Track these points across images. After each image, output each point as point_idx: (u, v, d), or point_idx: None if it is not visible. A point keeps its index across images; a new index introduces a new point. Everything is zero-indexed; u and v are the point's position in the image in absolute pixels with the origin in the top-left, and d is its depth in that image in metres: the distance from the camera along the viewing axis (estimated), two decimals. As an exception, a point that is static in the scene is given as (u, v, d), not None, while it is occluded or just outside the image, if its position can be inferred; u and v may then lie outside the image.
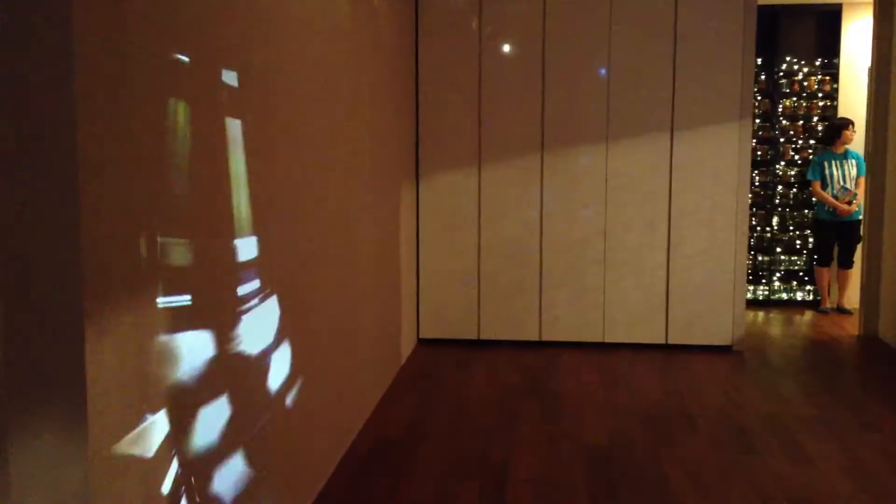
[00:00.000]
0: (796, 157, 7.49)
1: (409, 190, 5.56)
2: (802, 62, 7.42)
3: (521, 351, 5.72)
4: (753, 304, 7.45)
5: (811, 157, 7.36)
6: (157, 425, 1.98)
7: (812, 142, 7.45)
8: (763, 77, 7.43)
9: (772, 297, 7.55)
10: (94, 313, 1.70)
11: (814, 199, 7.12)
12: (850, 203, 6.85)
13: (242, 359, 2.52)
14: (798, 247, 7.53)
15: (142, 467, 1.91)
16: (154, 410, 1.96)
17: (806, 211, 7.49)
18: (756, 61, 6.45)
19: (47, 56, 1.61)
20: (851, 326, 6.56)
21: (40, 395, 1.67)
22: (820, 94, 7.42)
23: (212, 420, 2.31)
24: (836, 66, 7.35)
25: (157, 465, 1.98)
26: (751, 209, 7.38)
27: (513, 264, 5.81)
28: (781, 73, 7.44)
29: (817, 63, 7.40)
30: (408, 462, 3.71)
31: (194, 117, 2.16)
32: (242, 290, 2.51)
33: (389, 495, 3.36)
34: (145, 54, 1.90)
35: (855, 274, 6.95)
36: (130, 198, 1.84)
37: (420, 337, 5.93)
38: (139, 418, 1.89)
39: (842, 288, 7.12)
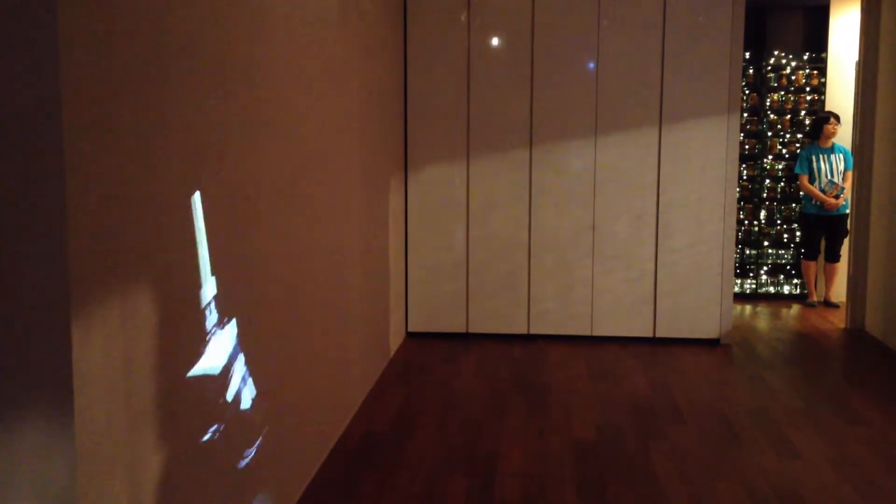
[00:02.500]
0: (784, 151, 7.51)
1: (398, 183, 5.55)
2: (790, 56, 7.43)
3: (509, 344, 5.73)
4: (741, 297, 7.48)
5: (798, 150, 7.38)
6: (145, 420, 1.97)
7: (799, 136, 7.47)
8: (751, 71, 7.44)
9: (759, 291, 7.57)
10: (81, 308, 1.68)
11: (801, 192, 7.14)
12: (837, 197, 6.87)
13: (231, 353, 2.51)
14: (785, 240, 7.56)
15: (129, 462, 1.89)
16: (142, 405, 1.95)
17: (793, 205, 7.52)
18: (744, 55, 6.46)
19: (33, 50, 1.59)
20: (838, 320, 6.59)
21: (26, 390, 1.66)
22: (808, 89, 7.44)
23: (200, 414, 2.30)
24: (824, 61, 7.37)
25: (145, 460, 1.97)
26: (738, 203, 7.39)
27: (501, 258, 5.81)
28: (769, 67, 7.45)
29: (805, 57, 7.42)
30: (396, 455, 3.71)
31: (182, 110, 2.15)
32: (231, 283, 2.50)
33: (378, 489, 3.36)
34: (133, 48, 1.88)
35: (842, 267, 6.98)
36: (118, 191, 1.82)
37: (409, 331, 5.93)
38: (127, 413, 1.88)
39: (829, 281, 7.15)
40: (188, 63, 2.19)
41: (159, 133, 2.02)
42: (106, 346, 1.79)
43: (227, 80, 2.46)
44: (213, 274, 2.38)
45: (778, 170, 7.53)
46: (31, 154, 1.61)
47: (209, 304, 2.36)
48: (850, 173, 6.74)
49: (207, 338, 2.35)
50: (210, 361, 2.37)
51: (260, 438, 2.79)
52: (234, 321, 2.53)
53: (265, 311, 2.83)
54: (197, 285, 2.27)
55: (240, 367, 2.60)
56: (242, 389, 2.63)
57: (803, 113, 7.46)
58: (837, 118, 6.94)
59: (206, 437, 2.34)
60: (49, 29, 1.58)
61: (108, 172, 1.79)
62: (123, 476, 1.87)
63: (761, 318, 6.77)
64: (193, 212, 2.23)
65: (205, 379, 2.33)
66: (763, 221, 7.58)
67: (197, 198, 2.24)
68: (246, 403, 2.65)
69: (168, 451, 2.08)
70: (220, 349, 2.43)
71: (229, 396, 2.51)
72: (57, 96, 1.60)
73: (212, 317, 2.38)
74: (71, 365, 1.64)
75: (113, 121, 1.81)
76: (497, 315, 5.86)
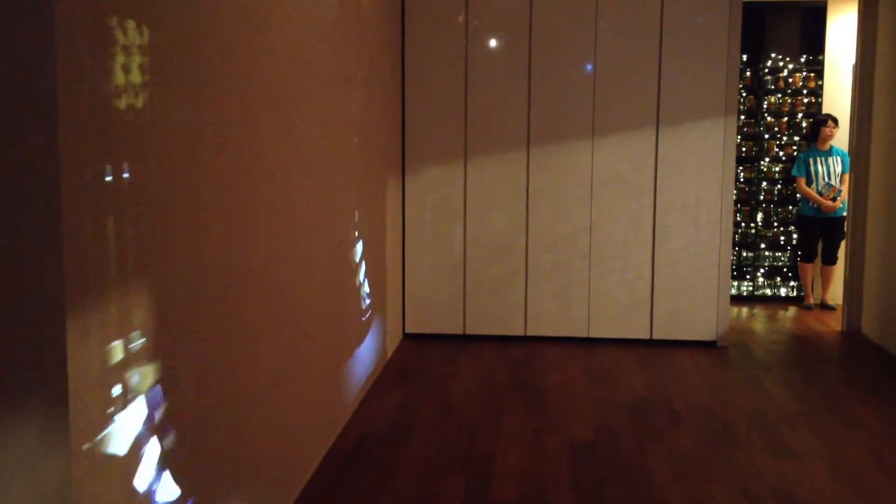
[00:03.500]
0: (781, 153, 7.52)
1: (396, 184, 5.55)
2: (787, 58, 7.44)
3: (506, 345, 5.73)
4: (737, 299, 7.48)
5: (796, 153, 7.39)
6: (141, 421, 1.97)
7: (797, 138, 7.48)
8: (748, 73, 7.45)
9: (756, 293, 7.58)
10: (77, 308, 1.68)
11: (798, 195, 7.15)
12: (834, 199, 6.88)
13: (226, 353, 2.50)
14: (782, 243, 7.57)
15: (125, 463, 1.89)
16: (138, 406, 1.94)
17: (790, 207, 7.53)
18: (741, 57, 6.47)
19: (28, 48, 1.59)
20: (835, 322, 6.60)
21: (21, 391, 1.65)
22: (805, 91, 7.44)
23: (196, 415, 2.29)
24: (821, 63, 7.38)
25: (141, 460, 1.97)
26: (735, 205, 7.40)
27: (498, 259, 5.81)
28: (766, 70, 7.46)
29: (802, 60, 7.43)
30: (393, 457, 3.71)
31: (178, 112, 2.14)
32: (227, 284, 2.50)
33: (374, 490, 3.36)
34: (129, 46, 1.88)
35: (838, 270, 6.99)
36: (114, 192, 1.82)
37: (406, 332, 5.93)
38: (123, 414, 1.88)
39: (825, 284, 7.15)
40: (185, 63, 2.19)
41: (156, 134, 2.02)
42: (102, 348, 1.79)
43: (225, 81, 2.46)
44: (210, 274, 2.38)
45: (775, 172, 7.54)
46: (25, 153, 1.61)
47: (205, 304, 2.36)
48: (847, 176, 6.75)
49: (204, 339, 2.35)
50: (206, 363, 2.36)
51: (257, 440, 2.79)
52: (230, 321, 2.53)
53: (261, 311, 2.83)
54: (193, 286, 2.27)
55: (236, 369, 2.60)
56: (239, 391, 2.63)
57: (800, 115, 7.47)
58: (835, 121, 6.95)
59: (202, 439, 2.34)
60: (46, 28, 1.58)
61: (105, 173, 1.79)
62: (119, 478, 1.87)
63: (758, 321, 6.77)
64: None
65: (200, 380, 2.33)
66: (760, 223, 7.58)
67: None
68: (242, 404, 2.65)
69: (164, 452, 2.08)
70: (215, 350, 2.43)
71: (225, 397, 2.51)
72: (53, 96, 1.59)
73: (208, 317, 2.38)
74: (66, 367, 1.64)
75: (109, 121, 1.81)
76: (494, 316, 5.86)
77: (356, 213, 4.32)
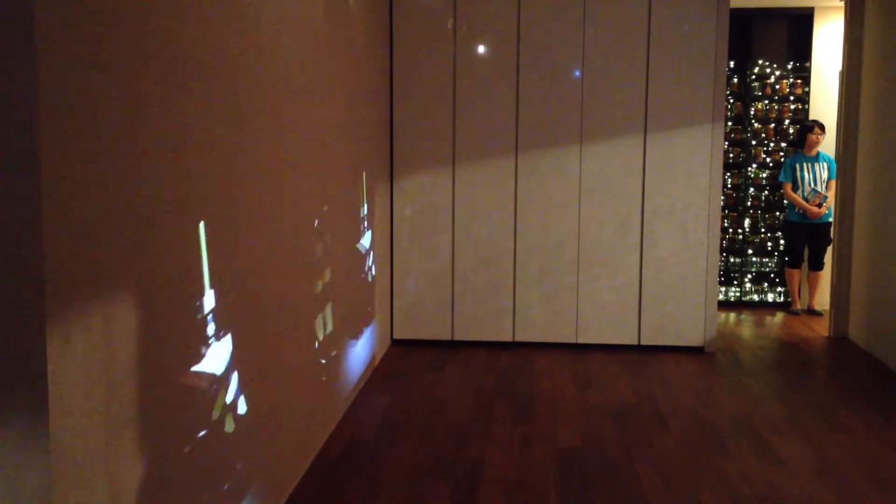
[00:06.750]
0: (768, 159, 7.55)
1: (384, 190, 5.54)
2: (774, 65, 7.48)
3: (494, 352, 5.72)
4: (725, 305, 7.50)
5: (783, 159, 7.43)
6: (126, 429, 1.94)
7: (783, 144, 7.51)
8: (735, 80, 7.48)
9: (743, 299, 7.60)
10: (58, 312, 1.66)
11: (785, 200, 7.18)
12: (820, 205, 6.91)
13: (211, 359, 2.49)
14: (769, 248, 7.60)
15: (108, 473, 1.87)
16: (123, 414, 1.92)
17: (777, 213, 7.56)
18: (728, 64, 6.50)
19: (9, 52, 1.58)
20: (822, 328, 6.62)
21: (1, 396, 1.63)
22: (791, 98, 7.48)
23: (180, 421, 2.28)
24: (808, 70, 7.42)
25: (124, 467, 1.95)
26: (723, 211, 7.42)
27: (487, 265, 5.80)
28: (754, 76, 7.49)
29: (789, 66, 7.47)
30: (380, 463, 3.69)
31: (163, 113, 2.13)
32: (212, 289, 2.48)
33: (361, 496, 3.34)
34: (113, 48, 1.87)
35: (825, 275, 7.02)
36: (98, 197, 1.80)
37: (394, 338, 5.91)
38: (107, 422, 1.86)
39: (812, 289, 7.18)
40: (171, 66, 2.18)
41: (140, 137, 2.01)
42: (86, 355, 1.77)
43: (212, 86, 2.45)
44: (197, 281, 2.36)
45: (762, 178, 7.57)
46: (5, 156, 1.59)
47: (193, 311, 2.34)
48: (833, 182, 6.78)
49: (190, 345, 2.33)
50: (193, 369, 2.35)
51: (243, 446, 2.77)
52: (217, 328, 2.52)
53: (248, 317, 2.81)
54: (181, 292, 2.25)
55: (223, 375, 2.58)
56: (225, 397, 2.61)
57: (787, 122, 7.51)
58: (822, 127, 6.99)
59: (188, 446, 2.32)
60: (26, 30, 1.57)
61: (88, 177, 1.77)
62: (102, 487, 1.85)
63: (745, 326, 6.79)
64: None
65: (188, 387, 2.31)
66: (747, 229, 7.61)
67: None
68: (229, 411, 2.63)
69: (149, 460, 2.06)
70: (203, 357, 2.41)
71: (212, 404, 2.49)
72: (35, 98, 1.58)
73: (195, 324, 2.36)
74: (46, 374, 1.62)
75: (93, 124, 1.79)
76: (482, 322, 5.85)
77: (344, 218, 4.31)
